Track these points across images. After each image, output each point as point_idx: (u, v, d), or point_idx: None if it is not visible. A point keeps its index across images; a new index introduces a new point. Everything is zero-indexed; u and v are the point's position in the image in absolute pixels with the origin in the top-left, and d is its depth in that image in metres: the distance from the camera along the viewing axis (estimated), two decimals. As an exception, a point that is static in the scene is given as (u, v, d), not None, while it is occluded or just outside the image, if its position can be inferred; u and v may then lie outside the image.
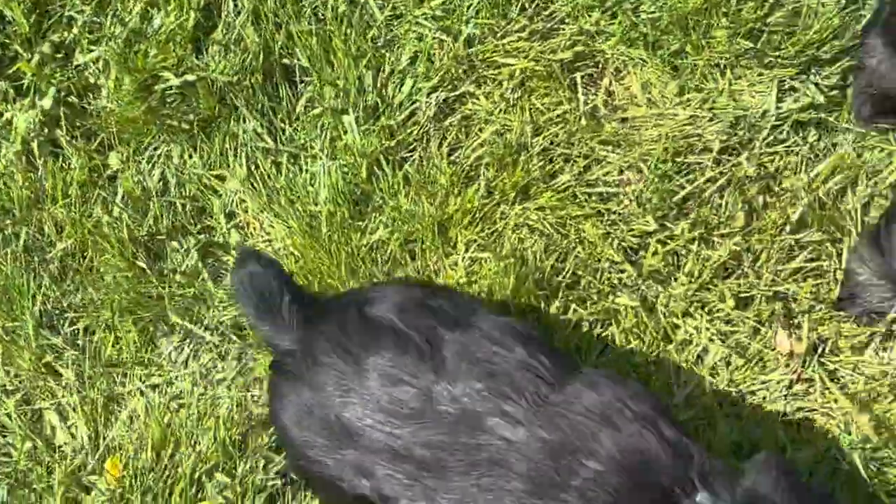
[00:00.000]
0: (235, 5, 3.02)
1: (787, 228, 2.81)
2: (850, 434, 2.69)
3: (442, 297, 2.37)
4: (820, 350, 2.77)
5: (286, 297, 2.34)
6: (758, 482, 2.07)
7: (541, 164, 2.91)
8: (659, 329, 2.79)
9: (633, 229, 2.86)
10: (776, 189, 2.86)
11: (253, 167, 2.98)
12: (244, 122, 2.99)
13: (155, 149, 3.02)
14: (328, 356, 2.25)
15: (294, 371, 2.30)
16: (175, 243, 2.97)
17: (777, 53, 2.88)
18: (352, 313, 2.31)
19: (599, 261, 2.84)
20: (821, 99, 2.86)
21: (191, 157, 3.00)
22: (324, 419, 2.24)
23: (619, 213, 2.88)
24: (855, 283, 2.71)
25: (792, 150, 2.87)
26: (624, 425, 2.11)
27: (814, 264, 2.81)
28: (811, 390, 2.76)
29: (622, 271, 2.84)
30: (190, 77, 2.97)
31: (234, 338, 2.88)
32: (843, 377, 2.75)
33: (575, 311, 2.82)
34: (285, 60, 3.03)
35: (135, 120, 2.98)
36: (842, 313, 2.76)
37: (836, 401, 2.74)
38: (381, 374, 2.20)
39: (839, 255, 2.80)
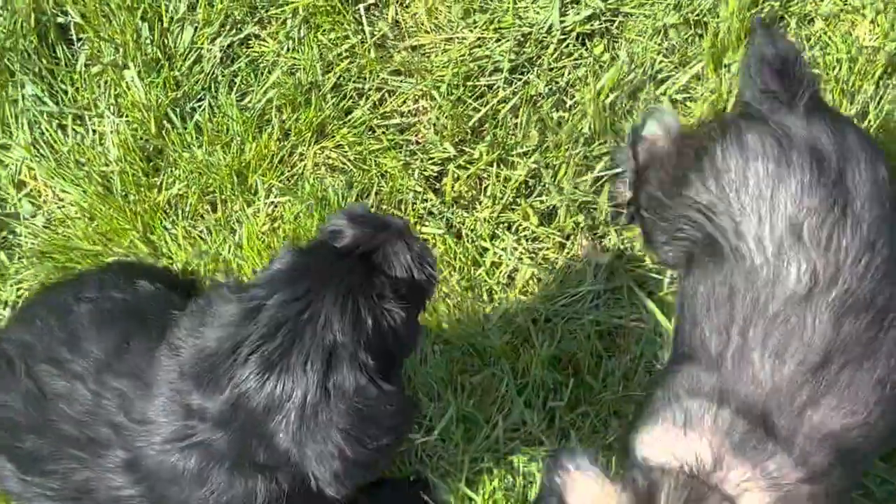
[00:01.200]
0: (-1, -33, 2.89)
1: (581, 141, 2.83)
2: (659, 337, 2.74)
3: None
4: (626, 256, 2.81)
5: None
6: None
7: (334, 100, 2.86)
8: (468, 254, 2.79)
9: (432, 157, 2.84)
10: (568, 103, 2.87)
11: (38, 133, 2.87)
12: (23, 87, 2.87)
13: (-69, 123, 2.89)
14: None
15: None
16: (-38, 220, 2.86)
17: (556, -34, 2.89)
18: None
19: (402, 192, 2.82)
20: (601, 6, 2.87)
21: (-31, 128, 2.88)
22: None
23: (418, 143, 2.86)
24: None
25: (580, 64, 2.88)
26: None
27: (610, 172, 2.83)
28: (620, 297, 2.80)
29: (426, 200, 2.82)
30: (-42, 46, 2.84)
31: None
32: (649, 282, 2.80)
33: (383, 245, 2.79)
34: (59, 19, 2.91)
35: None
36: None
37: (644, 306, 2.78)
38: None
39: (635, 162, 2.83)
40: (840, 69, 2.79)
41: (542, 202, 2.82)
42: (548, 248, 2.80)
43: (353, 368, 1.91)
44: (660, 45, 2.86)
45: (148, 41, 2.87)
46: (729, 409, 2.13)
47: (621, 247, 2.81)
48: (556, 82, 2.87)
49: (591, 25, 2.88)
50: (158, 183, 2.83)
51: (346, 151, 2.84)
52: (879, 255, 2.12)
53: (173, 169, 2.84)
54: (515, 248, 2.79)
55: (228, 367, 1.91)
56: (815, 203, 2.11)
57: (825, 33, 2.83)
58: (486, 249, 2.80)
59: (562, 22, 2.87)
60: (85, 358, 2.17)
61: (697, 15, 2.84)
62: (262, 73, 2.90)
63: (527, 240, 2.81)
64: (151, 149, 2.86)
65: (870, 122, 2.74)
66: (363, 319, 1.94)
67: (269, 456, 1.93)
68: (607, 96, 2.82)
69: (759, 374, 2.13)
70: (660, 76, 2.85)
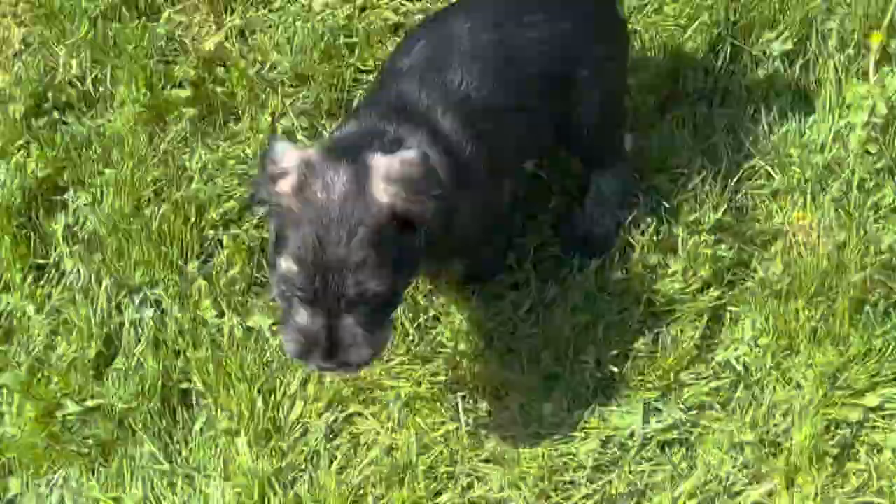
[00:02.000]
0: (136, 333, 3.21)
1: (657, 543, 2.98)
2: None
3: None
4: None
5: None
6: None
7: (426, 482, 3.06)
8: None
9: (516, 553, 3.00)
10: (646, 505, 3.05)
11: (149, 489, 3.09)
12: (141, 445, 3.12)
13: (54, 472, 3.12)
14: None
15: None
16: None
17: (641, 377, 3.13)
18: None
19: (484, 584, 2.97)
20: (682, 417, 3.09)
21: (88, 479, 3.10)
22: None
23: (504, 536, 3.03)
24: None
25: (659, 469, 3.06)
26: None
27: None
28: None
29: None
30: (90, 403, 3.12)
31: None
32: None
33: None
34: (183, 385, 3.19)
35: (35, 445, 3.10)
36: None
37: None
38: None
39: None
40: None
41: None
42: None
43: None
44: (735, 458, 3.04)
45: (261, 412, 3.12)
46: None
47: None
48: (636, 484, 3.05)
49: (671, 434, 3.09)
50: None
51: (433, 533, 3.01)
52: None
53: (269, 542, 3.03)
54: None
55: None
56: None
57: (893, 463, 3.00)
58: None
59: (643, 428, 3.08)
60: None
61: (773, 436, 3.04)
62: (361, 449, 3.12)
63: None
64: (251, 513, 3.05)
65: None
66: None
67: None
68: (684, 503, 2.99)
69: None
70: (734, 488, 3.02)
